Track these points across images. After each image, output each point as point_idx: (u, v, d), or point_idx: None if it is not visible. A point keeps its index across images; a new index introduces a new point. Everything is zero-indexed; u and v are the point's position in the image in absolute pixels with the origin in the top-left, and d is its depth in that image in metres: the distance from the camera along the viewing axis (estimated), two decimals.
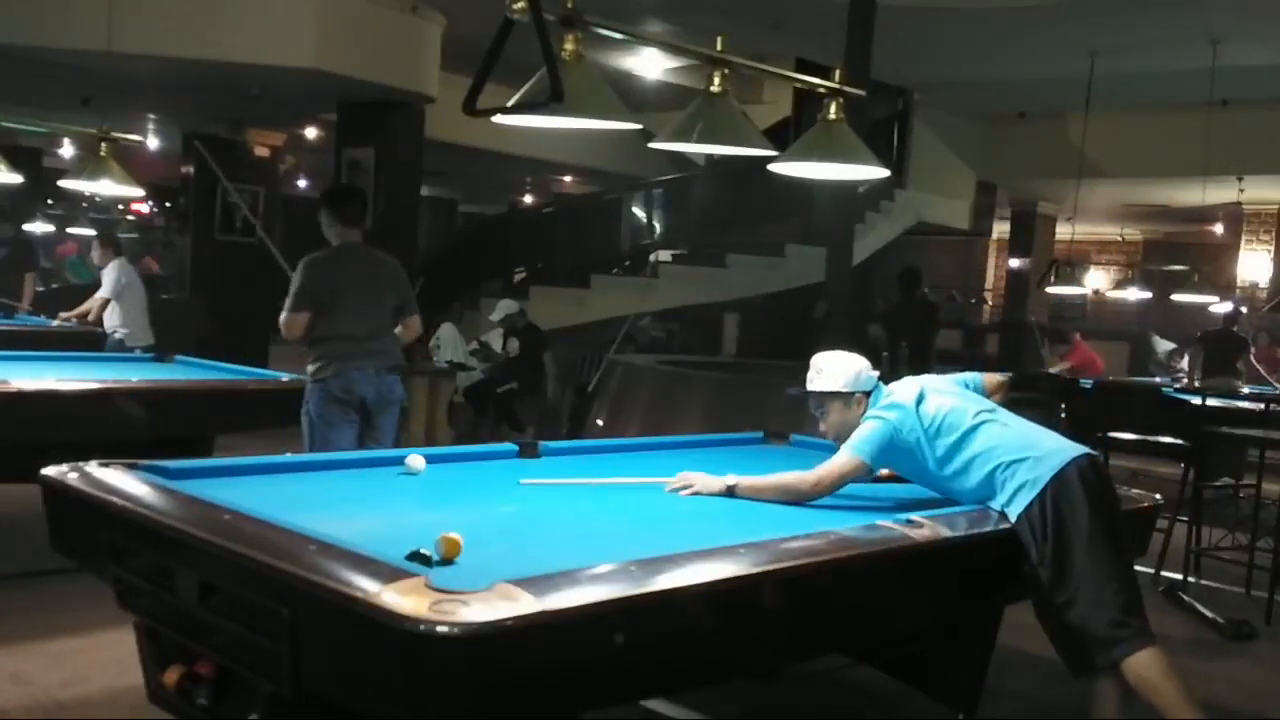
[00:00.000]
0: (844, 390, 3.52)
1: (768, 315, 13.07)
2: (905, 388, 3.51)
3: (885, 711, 4.01)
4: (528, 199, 19.98)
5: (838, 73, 4.05)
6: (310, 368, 5.27)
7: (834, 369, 3.55)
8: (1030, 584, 3.26)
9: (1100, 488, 3.31)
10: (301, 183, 18.85)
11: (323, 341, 5.22)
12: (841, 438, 3.47)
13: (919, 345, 9.97)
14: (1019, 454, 3.30)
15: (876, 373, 3.62)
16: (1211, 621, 5.35)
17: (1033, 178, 14.64)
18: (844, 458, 3.36)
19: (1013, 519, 3.24)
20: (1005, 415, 3.50)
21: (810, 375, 3.59)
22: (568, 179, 17.90)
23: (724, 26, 4.39)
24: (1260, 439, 6.08)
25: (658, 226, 13.84)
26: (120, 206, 19.52)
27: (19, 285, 9.35)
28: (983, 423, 3.40)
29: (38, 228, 14.52)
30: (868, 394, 3.54)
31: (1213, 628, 5.31)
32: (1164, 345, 11.34)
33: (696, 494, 3.37)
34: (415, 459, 3.48)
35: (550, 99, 3.08)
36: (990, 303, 18.74)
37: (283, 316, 5.23)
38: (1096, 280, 18.50)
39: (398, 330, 5.50)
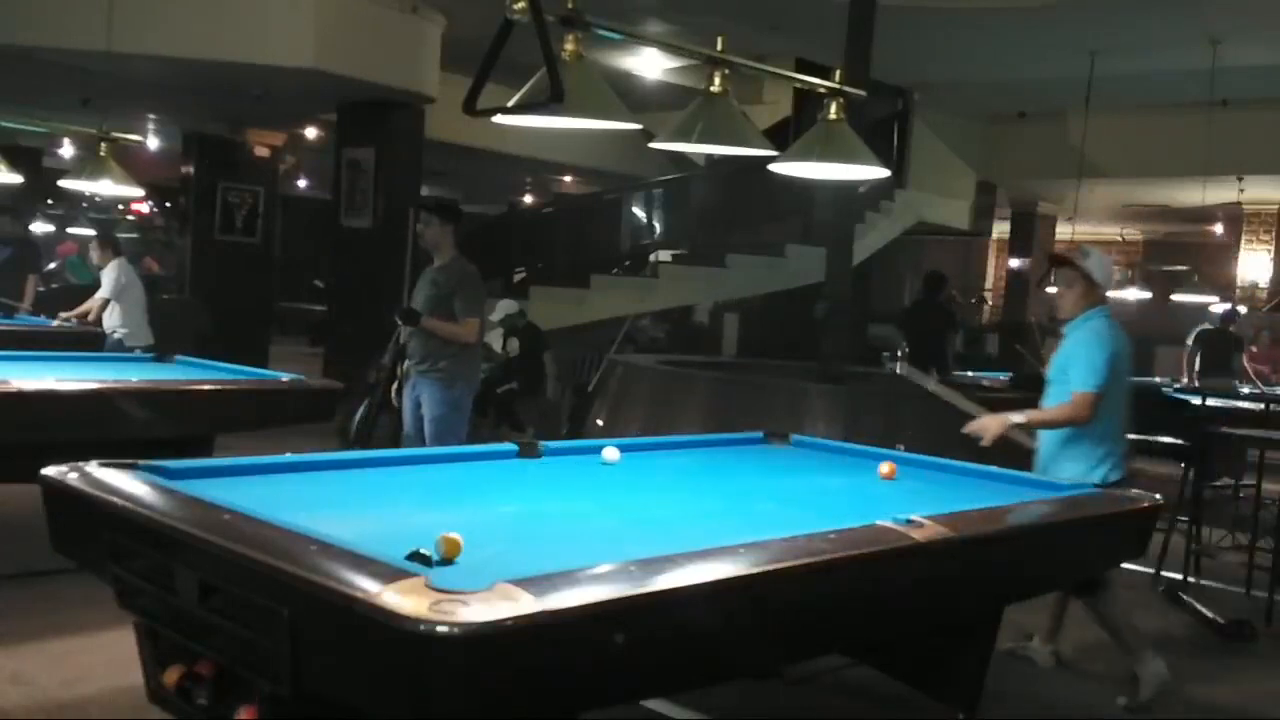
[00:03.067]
0: (1095, 281, 4.29)
1: (768, 315, 13.06)
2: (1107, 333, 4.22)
3: (885, 711, 4.01)
4: (528, 199, 19.97)
5: (838, 73, 4.05)
6: (465, 370, 5.70)
7: (1101, 264, 4.36)
8: None
9: None
10: (301, 183, 18.85)
11: (476, 346, 5.80)
12: (1062, 310, 4.32)
13: (935, 346, 9.94)
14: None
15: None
16: (1211, 621, 5.35)
17: (1033, 178, 14.63)
18: (1081, 396, 4.10)
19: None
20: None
21: (1082, 254, 4.39)
22: (568, 179, 17.89)
23: (724, 26, 4.39)
24: (1260, 439, 6.07)
25: (658, 226, 13.82)
26: (120, 206, 19.51)
27: (21, 286, 9.34)
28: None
29: (38, 228, 14.51)
30: (1101, 301, 4.31)
31: (1212, 628, 5.31)
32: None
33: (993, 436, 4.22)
34: (610, 451, 3.79)
35: (550, 99, 3.07)
36: (990, 302, 18.74)
37: (477, 322, 5.63)
38: None
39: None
